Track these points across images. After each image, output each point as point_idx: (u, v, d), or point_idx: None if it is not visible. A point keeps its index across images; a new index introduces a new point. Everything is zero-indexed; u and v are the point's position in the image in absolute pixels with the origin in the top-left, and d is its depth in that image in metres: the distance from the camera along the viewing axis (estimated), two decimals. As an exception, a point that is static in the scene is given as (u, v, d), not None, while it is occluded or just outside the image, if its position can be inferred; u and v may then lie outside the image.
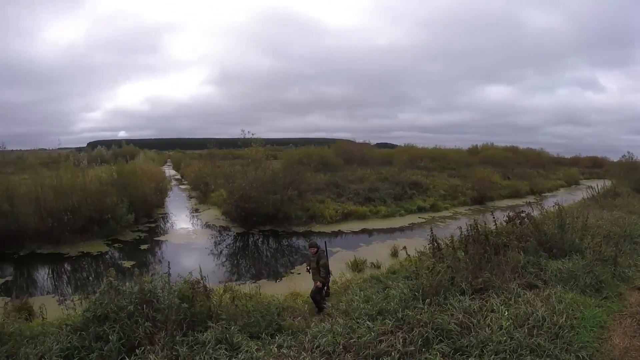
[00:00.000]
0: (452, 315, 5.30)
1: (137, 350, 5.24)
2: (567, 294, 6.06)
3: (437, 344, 4.85)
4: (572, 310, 5.50)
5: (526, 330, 4.90)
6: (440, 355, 4.69)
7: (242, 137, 20.88)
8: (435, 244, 8.27)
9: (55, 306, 9.29)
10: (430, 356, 4.67)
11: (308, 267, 9.19)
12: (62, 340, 5.61)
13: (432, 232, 8.46)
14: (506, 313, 5.21)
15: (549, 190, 34.54)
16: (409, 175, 27.73)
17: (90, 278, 12.53)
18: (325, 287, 8.75)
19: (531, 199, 25.37)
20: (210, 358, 5.08)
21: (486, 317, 5.21)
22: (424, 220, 20.02)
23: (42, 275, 13.13)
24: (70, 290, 11.45)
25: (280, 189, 18.48)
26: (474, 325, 5.08)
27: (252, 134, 20.87)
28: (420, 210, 21.92)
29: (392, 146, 55.64)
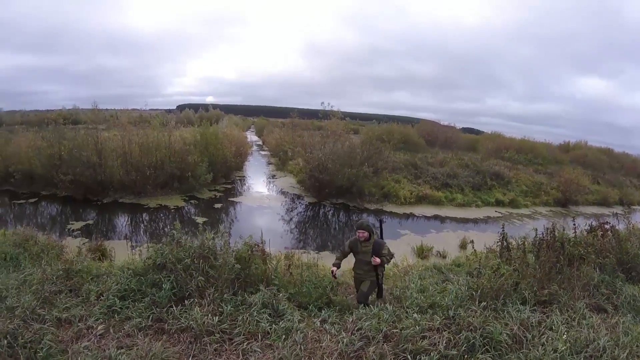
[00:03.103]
0: (506, 324, 4.96)
1: (186, 301, 5.48)
2: (637, 327, 5.40)
3: (482, 353, 4.56)
4: (638, 346, 4.86)
5: (582, 359, 4.47)
6: (483, 366, 4.35)
7: (323, 108, 20.84)
8: (505, 243, 7.83)
9: (126, 251, 9.87)
10: (471, 365, 4.36)
11: (337, 263, 6.58)
12: (121, 282, 5.99)
13: (503, 230, 7.95)
14: (565, 335, 4.77)
15: (640, 204, 31.92)
16: (491, 164, 26.48)
17: (165, 229, 13.28)
18: (379, 285, 6.62)
19: (619, 209, 23.67)
20: (253, 320, 5.18)
21: (542, 334, 4.81)
22: (500, 215, 19.09)
23: (121, 222, 14.24)
24: (145, 238, 12.26)
25: (356, 163, 18.35)
26: (527, 340, 4.72)
27: (332, 106, 20.76)
28: (498, 203, 20.87)
29: (477, 132, 53.13)
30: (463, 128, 51.59)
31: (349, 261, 6.84)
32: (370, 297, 6.57)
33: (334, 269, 6.59)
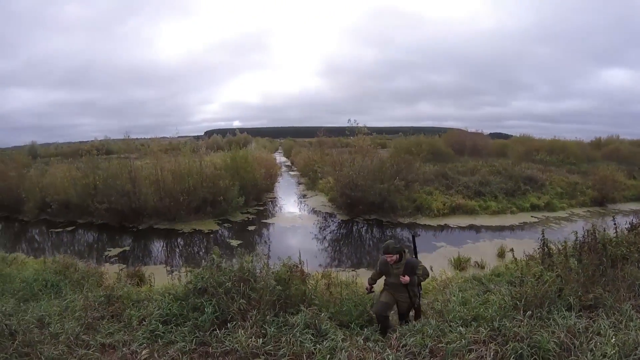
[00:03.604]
0: (553, 332, 4.81)
1: (228, 324, 5.50)
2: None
3: None
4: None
5: None
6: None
7: (349, 125, 20.90)
8: (546, 249, 7.68)
9: (164, 276, 10.27)
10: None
11: (371, 285, 6.55)
12: (163, 306, 6.08)
13: (543, 236, 7.82)
14: (613, 339, 4.59)
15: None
16: (523, 168, 26.05)
17: (200, 253, 13.70)
18: (416, 305, 6.31)
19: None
20: (296, 341, 5.15)
21: (590, 340, 4.65)
22: (536, 220, 18.68)
23: (157, 247, 14.63)
24: (180, 263, 12.57)
25: (387, 178, 18.28)
26: (575, 347, 4.57)
27: (357, 123, 20.79)
28: (534, 208, 20.44)
29: (505, 136, 52.30)
30: (491, 133, 50.95)
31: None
32: (389, 311, 6.32)
33: (367, 285, 6.58)
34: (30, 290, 7.67)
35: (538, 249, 8.02)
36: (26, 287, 7.76)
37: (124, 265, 11.65)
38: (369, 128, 21.20)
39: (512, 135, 48.67)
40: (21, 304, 6.62)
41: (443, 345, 4.89)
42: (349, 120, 20.55)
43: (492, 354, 4.57)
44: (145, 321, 5.89)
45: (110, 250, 13.91)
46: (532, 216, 19.32)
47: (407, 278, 5.92)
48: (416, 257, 6.48)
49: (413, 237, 6.96)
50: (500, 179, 23.01)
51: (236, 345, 5.05)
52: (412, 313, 6.42)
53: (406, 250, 6.35)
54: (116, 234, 16.07)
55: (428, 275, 6.34)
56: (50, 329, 5.42)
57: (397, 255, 6.16)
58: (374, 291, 6.64)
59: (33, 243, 15.90)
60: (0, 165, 21.24)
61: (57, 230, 17.01)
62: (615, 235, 7.58)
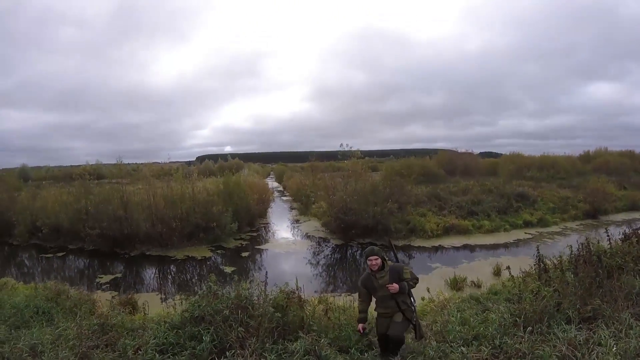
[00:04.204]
0: (554, 346, 4.83)
1: (227, 352, 5.41)
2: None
3: None
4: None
5: None
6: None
7: (341, 149, 20.97)
8: (542, 265, 7.71)
9: (157, 303, 10.11)
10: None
11: (362, 316, 5.93)
12: (159, 335, 5.99)
13: (538, 252, 7.88)
14: (614, 348, 4.61)
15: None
16: (514, 186, 26.32)
17: (193, 280, 13.67)
18: (414, 322, 5.71)
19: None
20: None
21: (592, 351, 4.66)
22: (530, 236, 18.78)
23: (149, 274, 14.54)
24: (174, 290, 12.48)
25: (380, 201, 18.33)
26: (577, 359, 4.57)
27: (350, 147, 20.88)
28: (527, 224, 20.57)
29: (495, 155, 53.05)
30: (481, 153, 51.78)
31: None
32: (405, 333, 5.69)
33: (360, 326, 5.88)
34: (21, 317, 7.49)
35: (534, 265, 8.03)
36: (17, 314, 7.57)
37: (116, 293, 11.53)
38: (360, 151, 21.34)
39: (502, 154, 49.28)
40: (12, 330, 6.47)
41: (446, 365, 4.82)
42: (341, 144, 20.65)
43: None
44: (141, 350, 5.78)
45: (101, 277, 13.75)
46: (525, 232, 19.40)
47: (395, 286, 5.42)
48: (397, 261, 6.07)
49: (389, 242, 6.89)
50: (492, 198, 23.13)
51: (236, 374, 4.94)
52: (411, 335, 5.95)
53: (388, 258, 5.88)
54: (108, 260, 15.89)
55: (417, 279, 5.77)
56: (43, 357, 5.30)
57: (380, 261, 5.64)
58: (367, 333, 6.12)
59: (23, 268, 15.75)
60: (-9, 188, 21.04)
61: (47, 255, 16.86)
62: (609, 246, 7.68)
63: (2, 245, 18.82)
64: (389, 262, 5.80)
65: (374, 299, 5.94)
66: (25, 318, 7.48)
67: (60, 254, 16.96)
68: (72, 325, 6.42)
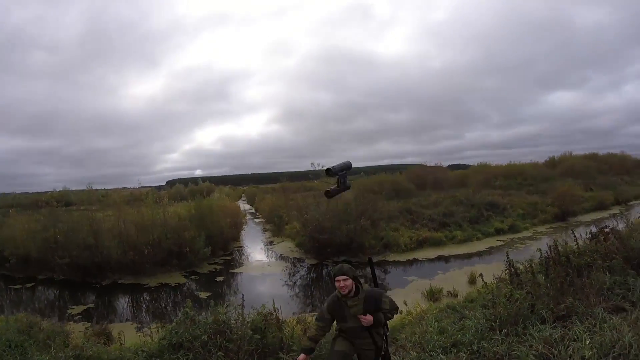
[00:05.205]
0: (530, 346, 4.90)
1: (208, 378, 5.26)
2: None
3: None
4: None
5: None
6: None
7: (312, 169, 21.04)
8: (513, 269, 7.78)
9: (133, 333, 9.89)
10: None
11: (308, 346, 4.65)
12: (137, 365, 5.77)
13: (507, 257, 7.97)
14: (588, 342, 4.68)
15: (635, 198, 32.49)
16: (484, 196, 26.76)
17: (167, 307, 13.46)
18: (383, 352, 4.59)
19: (617, 210, 24.00)
20: None
21: (568, 347, 4.72)
22: (502, 243, 19.16)
23: (122, 303, 14.16)
24: (149, 319, 12.23)
25: (353, 218, 18.38)
26: (554, 356, 4.62)
27: (322, 166, 20.96)
28: (499, 232, 21.02)
29: (464, 167, 53.44)
30: (450, 165, 52.29)
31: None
32: None
33: (301, 357, 4.61)
34: None
35: (505, 270, 8.12)
36: None
37: (89, 324, 11.14)
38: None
39: (470, 165, 49.95)
40: None
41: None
42: (312, 164, 20.70)
43: None
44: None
45: (73, 308, 13.32)
46: (497, 240, 19.81)
47: (369, 317, 4.37)
48: (376, 286, 4.89)
49: (370, 261, 4.99)
50: (463, 209, 23.50)
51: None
52: None
53: (361, 282, 4.63)
54: (79, 290, 15.39)
55: (397, 310, 4.67)
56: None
57: (353, 284, 4.49)
58: None
59: None
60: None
61: (16, 286, 16.23)
62: (577, 246, 7.86)
63: (-33, 277, 18.02)
64: (365, 286, 4.65)
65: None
66: None
67: (29, 285, 16.41)
68: (47, 358, 6.29)
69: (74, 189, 27.09)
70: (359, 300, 4.46)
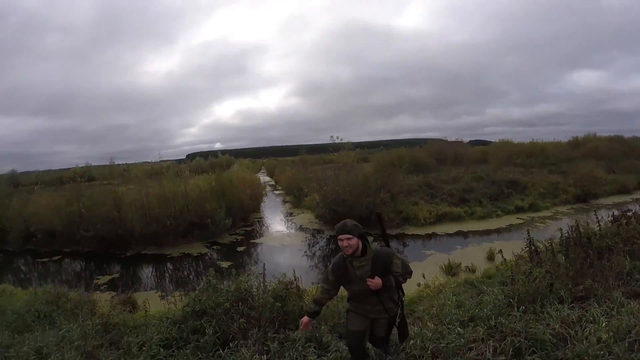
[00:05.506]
0: (547, 325, 4.95)
1: (230, 344, 5.52)
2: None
3: (529, 355, 4.52)
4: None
5: (627, 345, 4.38)
6: (533, 368, 4.26)
7: (332, 142, 21.07)
8: (533, 247, 7.82)
9: (157, 301, 10.21)
10: (521, 368, 4.26)
11: (313, 309, 4.58)
12: (162, 331, 6.08)
13: (529, 235, 8.00)
14: (604, 325, 4.75)
15: (660, 184, 31.50)
16: (505, 173, 26.48)
17: (190, 277, 13.70)
18: (399, 319, 4.43)
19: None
20: (300, 355, 5.17)
21: (584, 328, 4.78)
22: (522, 221, 18.94)
23: (146, 273, 14.49)
24: (172, 287, 12.46)
25: (372, 192, 18.46)
26: (570, 336, 4.68)
27: (341, 139, 20.99)
28: (519, 210, 20.73)
29: (485, 143, 52.66)
30: (471, 141, 51.35)
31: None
32: (366, 340, 4.66)
33: (304, 321, 4.55)
34: (23, 321, 7.61)
35: (525, 247, 8.16)
36: (19, 319, 7.70)
37: (115, 293, 11.57)
38: (351, 143, 21.44)
39: (491, 142, 49.11)
40: (15, 335, 6.57)
41: (444, 346, 4.96)
42: (332, 137, 20.75)
43: (491, 350, 4.64)
44: (145, 347, 5.87)
45: (99, 279, 13.76)
46: (517, 218, 19.58)
47: (377, 280, 3.97)
48: (387, 245, 4.48)
49: (378, 216, 4.57)
50: (484, 185, 23.33)
51: (240, 363, 5.03)
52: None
53: (369, 240, 4.18)
54: (104, 261, 15.90)
55: (410, 272, 4.30)
56: (49, 359, 5.39)
57: (359, 243, 4.05)
58: (313, 326, 5.14)
59: (19, 274, 15.68)
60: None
61: (43, 260, 16.77)
62: (598, 228, 7.86)
63: (-4, 253, 18.73)
64: (374, 245, 4.21)
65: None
66: (27, 322, 7.58)
67: (55, 258, 16.90)
68: (75, 326, 6.50)
69: (95, 164, 27.74)
70: (366, 260, 4.09)
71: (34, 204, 19.70)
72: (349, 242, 3.98)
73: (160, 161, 26.27)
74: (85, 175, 20.57)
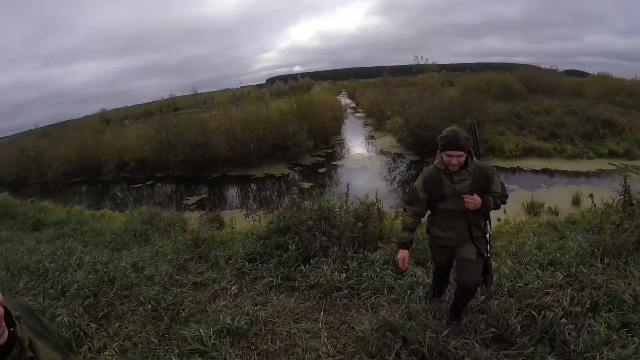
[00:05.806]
0: (629, 284, 4.77)
1: (311, 260, 5.85)
2: None
3: (605, 312, 4.36)
4: None
5: None
6: (606, 325, 4.14)
7: (416, 63, 20.36)
8: (627, 197, 7.32)
9: (242, 219, 10.84)
10: (595, 323, 4.16)
11: (406, 238, 3.86)
12: (247, 246, 6.54)
13: (625, 182, 7.45)
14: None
15: None
16: (602, 110, 23.96)
17: (273, 196, 14.42)
18: (488, 268, 3.85)
19: None
20: (377, 276, 5.36)
21: (667, 294, 4.54)
22: (614, 167, 17.34)
23: (232, 193, 15.48)
24: (256, 206, 13.23)
25: (457, 116, 17.80)
26: (650, 301, 4.48)
27: (426, 60, 20.24)
28: (612, 155, 18.86)
29: (581, 74, 47.99)
30: (565, 71, 47.39)
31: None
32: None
33: (403, 256, 3.82)
34: (121, 240, 8.38)
35: (619, 196, 7.72)
36: (117, 238, 8.50)
37: (203, 212, 12.28)
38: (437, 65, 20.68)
39: (588, 74, 44.73)
40: (114, 253, 7.28)
41: (521, 285, 4.92)
42: (415, 57, 20.05)
43: (568, 298, 4.54)
44: (231, 260, 6.39)
45: (188, 199, 14.89)
46: (610, 163, 17.99)
47: (477, 198, 3.45)
48: (479, 159, 3.82)
49: (473, 126, 3.95)
50: (577, 121, 21.60)
51: (321, 279, 5.34)
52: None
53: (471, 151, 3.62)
54: (192, 183, 17.11)
55: (507, 196, 3.74)
56: (144, 272, 5.97)
57: (465, 156, 3.47)
58: (406, 268, 4.33)
59: (116, 199, 17.20)
60: (78, 134, 22.72)
61: (137, 185, 18.33)
62: None
63: (95, 183, 20.36)
64: (475, 159, 3.65)
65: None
66: (125, 241, 8.37)
67: (148, 183, 18.39)
68: (168, 242, 7.26)
69: (179, 95, 28.78)
70: (467, 174, 3.51)
71: (125, 137, 21.26)
72: (459, 160, 3.41)
73: (241, 87, 26.92)
74: (171, 106, 21.72)
